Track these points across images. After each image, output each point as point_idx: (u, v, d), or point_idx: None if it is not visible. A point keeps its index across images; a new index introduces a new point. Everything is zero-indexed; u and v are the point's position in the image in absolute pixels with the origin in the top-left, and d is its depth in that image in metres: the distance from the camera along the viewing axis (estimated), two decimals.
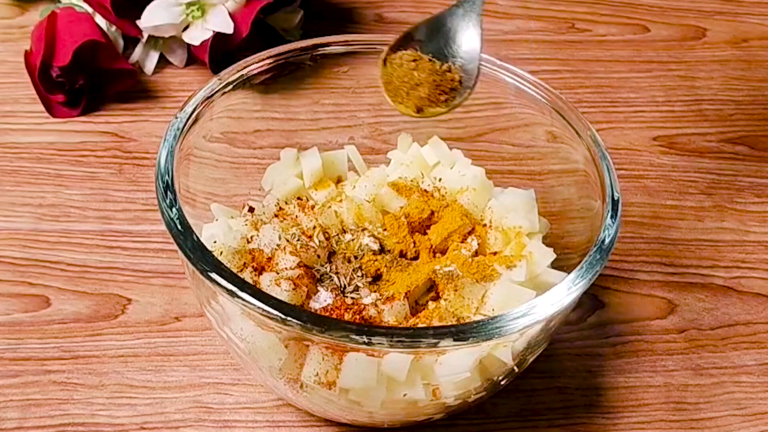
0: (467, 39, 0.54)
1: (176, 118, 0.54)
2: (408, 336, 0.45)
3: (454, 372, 0.48)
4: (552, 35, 0.87)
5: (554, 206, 0.60)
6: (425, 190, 0.60)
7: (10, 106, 0.75)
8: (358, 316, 0.52)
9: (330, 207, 0.58)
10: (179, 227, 0.49)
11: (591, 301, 0.65)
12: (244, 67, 0.58)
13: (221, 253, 0.53)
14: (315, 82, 0.62)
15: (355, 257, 0.56)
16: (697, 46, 0.87)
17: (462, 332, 0.45)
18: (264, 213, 0.59)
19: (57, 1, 0.79)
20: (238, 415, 0.57)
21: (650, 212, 0.72)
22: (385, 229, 0.58)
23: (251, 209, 0.60)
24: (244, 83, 0.58)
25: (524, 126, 0.61)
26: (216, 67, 0.75)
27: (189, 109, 0.55)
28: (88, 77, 0.74)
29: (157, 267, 0.65)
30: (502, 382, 0.53)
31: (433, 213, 0.59)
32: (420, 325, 0.52)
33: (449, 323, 0.52)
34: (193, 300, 0.62)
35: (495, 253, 0.57)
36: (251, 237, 0.57)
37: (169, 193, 0.50)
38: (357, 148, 0.64)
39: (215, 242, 0.54)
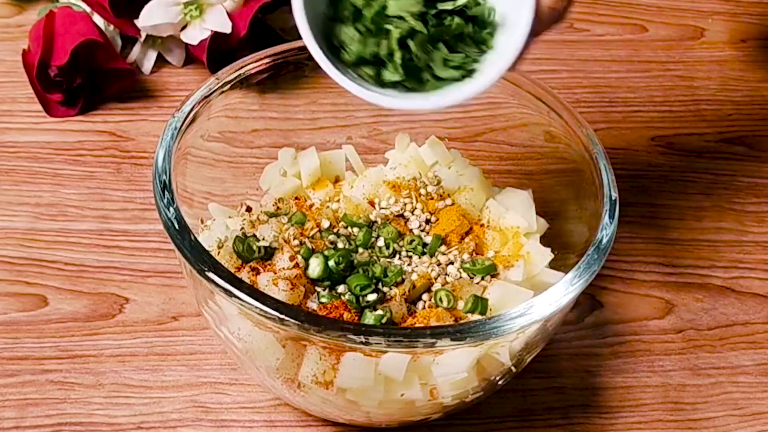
0: None
1: (174, 117, 0.54)
2: (405, 336, 0.45)
3: (452, 372, 0.48)
4: (550, 35, 0.87)
5: (552, 206, 0.60)
6: (423, 191, 0.60)
7: (7, 105, 0.75)
8: (355, 316, 0.52)
9: (328, 207, 0.58)
10: (176, 227, 0.49)
11: (589, 301, 0.65)
12: (242, 67, 0.58)
13: (219, 252, 0.53)
14: (313, 81, 0.62)
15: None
16: (695, 46, 0.87)
17: (459, 332, 0.45)
18: (261, 212, 0.59)
19: (55, 0, 0.79)
20: (236, 414, 0.57)
21: (648, 212, 0.72)
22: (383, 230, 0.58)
23: (249, 209, 0.60)
24: (242, 83, 0.58)
25: (522, 126, 0.61)
26: (214, 67, 0.75)
27: (186, 108, 0.55)
28: (85, 76, 0.74)
29: (155, 266, 0.64)
30: (500, 382, 0.53)
31: (431, 213, 0.58)
32: (417, 325, 0.51)
33: (447, 323, 0.52)
34: (191, 299, 0.62)
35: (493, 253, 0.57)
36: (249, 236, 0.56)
37: (166, 192, 0.50)
38: (355, 148, 0.63)
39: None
